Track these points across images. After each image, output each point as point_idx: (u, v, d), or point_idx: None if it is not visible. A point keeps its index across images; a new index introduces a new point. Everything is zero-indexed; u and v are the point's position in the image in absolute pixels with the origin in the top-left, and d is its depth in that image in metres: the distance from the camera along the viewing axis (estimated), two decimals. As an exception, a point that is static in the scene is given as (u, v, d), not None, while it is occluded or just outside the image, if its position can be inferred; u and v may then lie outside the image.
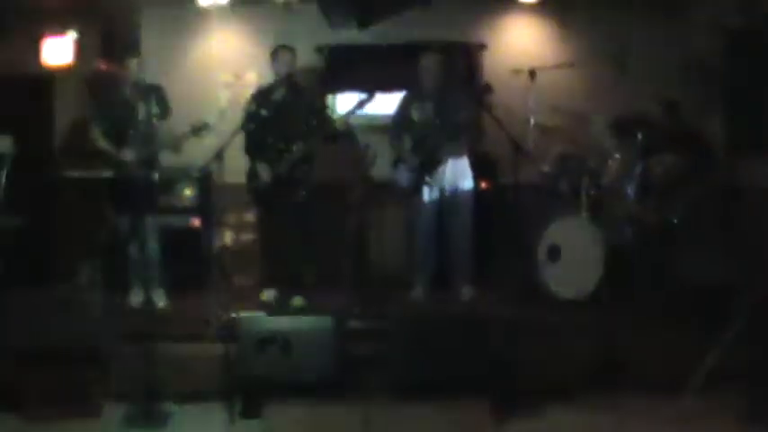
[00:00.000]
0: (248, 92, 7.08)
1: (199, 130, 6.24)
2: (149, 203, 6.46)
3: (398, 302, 6.59)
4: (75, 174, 7.28)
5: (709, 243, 6.74)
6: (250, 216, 7.45)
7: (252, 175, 6.59)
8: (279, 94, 6.61)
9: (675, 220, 6.61)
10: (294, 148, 6.45)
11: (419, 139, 6.72)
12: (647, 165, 6.64)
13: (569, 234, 6.49)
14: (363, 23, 7.66)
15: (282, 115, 6.53)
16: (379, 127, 7.33)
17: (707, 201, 6.83)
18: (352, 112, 6.53)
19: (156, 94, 6.51)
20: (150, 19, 7.93)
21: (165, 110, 6.52)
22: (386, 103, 7.00)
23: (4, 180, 6.84)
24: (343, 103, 7.88)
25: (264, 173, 6.50)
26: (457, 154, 6.72)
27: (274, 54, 6.64)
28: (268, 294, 6.64)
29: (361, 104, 6.46)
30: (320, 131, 6.53)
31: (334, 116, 6.94)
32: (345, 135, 6.73)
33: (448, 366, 5.25)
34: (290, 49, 6.64)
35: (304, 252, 6.68)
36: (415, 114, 6.76)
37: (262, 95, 6.70)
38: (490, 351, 5.32)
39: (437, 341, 5.34)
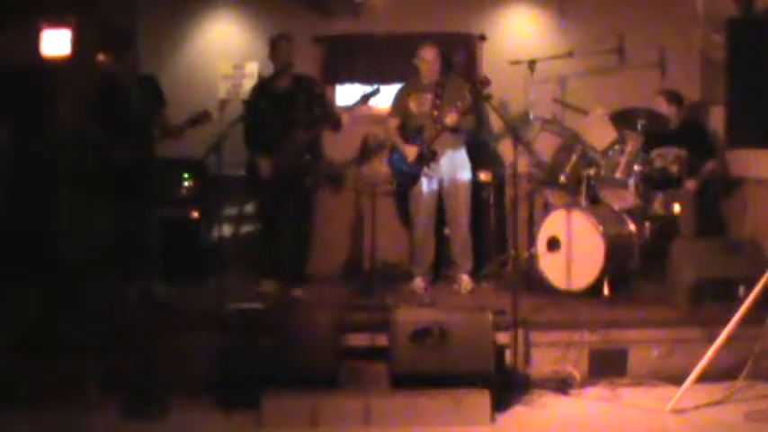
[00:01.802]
0: (248, 83, 7.08)
1: (197, 120, 6.23)
2: (147, 195, 6.46)
3: (397, 293, 6.57)
4: (73, 166, 7.25)
5: (711, 235, 6.73)
6: (249, 207, 7.43)
7: (252, 166, 6.57)
8: (279, 85, 6.59)
9: (676, 213, 6.60)
10: (296, 137, 6.43)
11: (417, 131, 6.70)
12: (648, 156, 6.63)
13: (569, 226, 6.47)
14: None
15: (284, 105, 6.51)
16: (377, 118, 7.35)
17: (708, 193, 6.82)
18: (356, 105, 6.53)
19: (152, 85, 6.50)
20: (148, 10, 7.90)
21: (161, 101, 6.51)
22: (384, 95, 6.98)
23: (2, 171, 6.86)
24: (342, 94, 7.90)
25: (265, 163, 6.48)
26: (455, 145, 6.71)
27: (273, 44, 6.62)
28: (267, 285, 6.62)
29: (366, 98, 6.46)
30: (323, 120, 6.51)
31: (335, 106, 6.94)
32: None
33: (447, 357, 5.24)
34: (288, 39, 6.62)
35: (303, 243, 6.67)
36: (413, 106, 6.75)
37: (263, 86, 6.69)
38: (489, 342, 5.30)
39: (435, 332, 5.31)
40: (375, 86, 6.56)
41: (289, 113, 6.48)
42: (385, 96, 6.85)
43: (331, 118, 6.58)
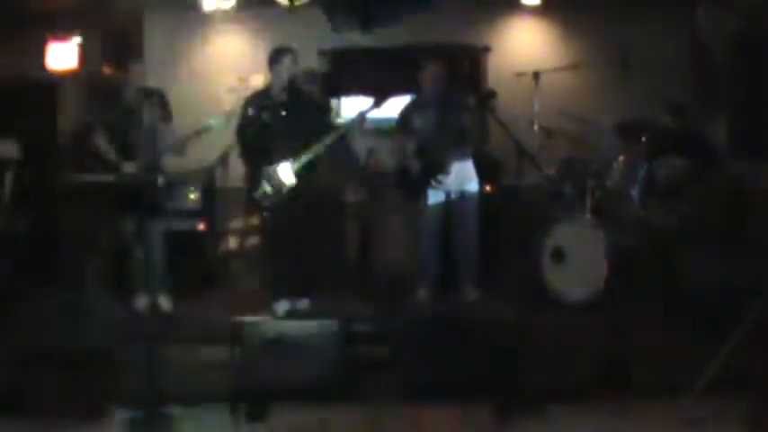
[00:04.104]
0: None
1: (202, 131, 6.23)
2: (153, 207, 6.46)
3: (403, 305, 6.58)
4: (80, 178, 7.27)
5: (714, 246, 6.74)
6: (254, 220, 7.44)
7: (252, 180, 6.49)
8: (280, 98, 6.52)
9: (680, 223, 6.61)
10: (299, 151, 6.40)
11: (421, 146, 6.72)
12: (651, 167, 6.64)
13: (574, 236, 6.49)
14: (366, 25, 7.68)
15: (285, 119, 6.44)
16: (383, 131, 7.37)
17: (711, 203, 6.83)
18: (357, 120, 6.52)
19: (157, 98, 6.50)
20: (154, 23, 7.94)
21: (166, 114, 6.51)
22: (390, 107, 7.00)
23: (9, 184, 6.87)
24: (348, 106, 7.91)
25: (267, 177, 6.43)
26: (461, 157, 6.72)
27: (274, 57, 6.48)
28: (280, 307, 6.57)
29: (364, 113, 6.45)
30: (324, 134, 6.48)
31: (338, 119, 6.93)
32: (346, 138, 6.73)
33: (453, 369, 5.25)
34: (290, 51, 6.52)
35: (309, 255, 6.65)
36: (417, 122, 6.76)
37: (260, 99, 6.59)
38: (495, 353, 5.31)
39: (442, 343, 5.33)
40: (372, 102, 6.52)
41: (291, 127, 6.43)
42: (390, 108, 6.85)
43: (332, 130, 6.56)
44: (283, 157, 6.30)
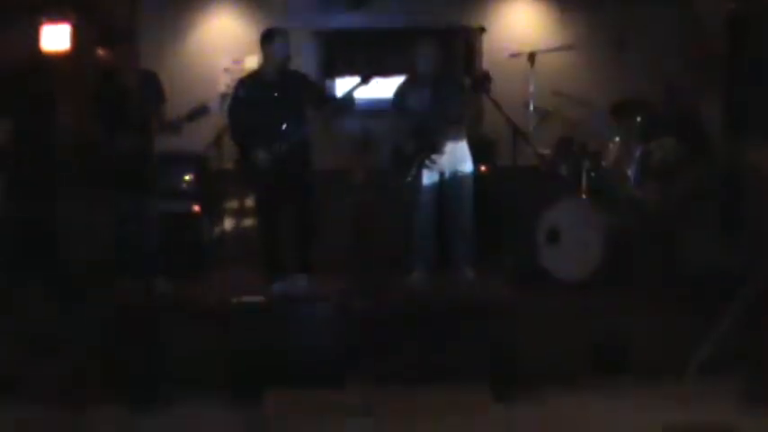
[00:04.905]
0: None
1: (195, 114, 6.20)
2: (148, 190, 6.45)
3: (398, 286, 6.58)
4: (73, 161, 7.26)
5: (709, 227, 6.75)
6: (250, 201, 7.44)
7: (246, 161, 6.48)
8: (272, 79, 6.49)
9: (675, 204, 6.62)
10: (291, 131, 6.39)
11: (416, 126, 6.70)
12: (646, 148, 6.64)
13: (569, 217, 6.49)
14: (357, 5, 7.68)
15: (277, 100, 6.42)
16: (378, 112, 7.35)
17: (706, 184, 6.84)
18: (346, 96, 6.51)
19: (151, 80, 6.48)
20: (148, 4, 7.91)
21: (160, 96, 6.48)
22: (385, 88, 6.98)
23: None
24: (342, 87, 7.90)
25: (262, 158, 6.41)
26: (456, 138, 6.70)
27: (266, 38, 6.47)
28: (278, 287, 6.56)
29: (354, 88, 6.43)
30: (318, 114, 6.46)
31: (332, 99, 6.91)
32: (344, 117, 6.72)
33: (448, 351, 5.26)
34: (282, 32, 6.52)
35: (303, 236, 6.65)
36: (412, 101, 6.73)
37: (252, 80, 6.59)
38: (490, 335, 5.32)
39: (437, 325, 5.33)
40: (362, 77, 6.49)
41: (283, 107, 6.40)
42: (380, 87, 6.83)
43: (325, 113, 6.54)
44: (275, 138, 6.30)
